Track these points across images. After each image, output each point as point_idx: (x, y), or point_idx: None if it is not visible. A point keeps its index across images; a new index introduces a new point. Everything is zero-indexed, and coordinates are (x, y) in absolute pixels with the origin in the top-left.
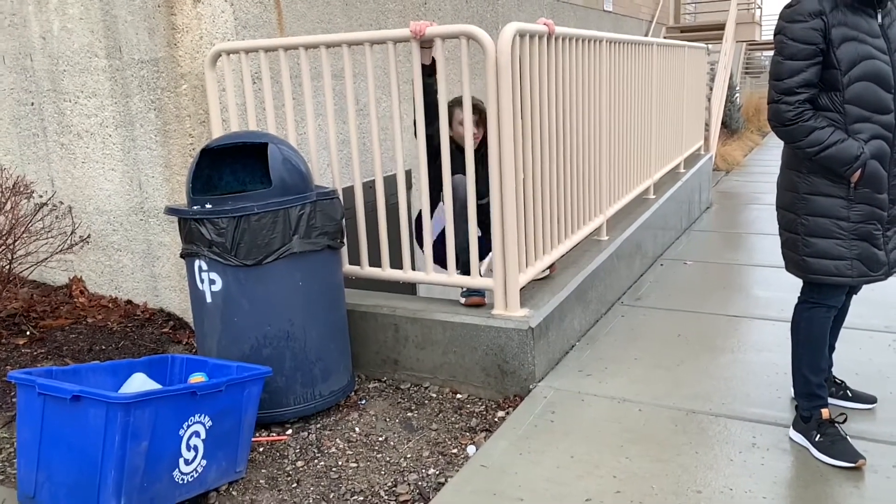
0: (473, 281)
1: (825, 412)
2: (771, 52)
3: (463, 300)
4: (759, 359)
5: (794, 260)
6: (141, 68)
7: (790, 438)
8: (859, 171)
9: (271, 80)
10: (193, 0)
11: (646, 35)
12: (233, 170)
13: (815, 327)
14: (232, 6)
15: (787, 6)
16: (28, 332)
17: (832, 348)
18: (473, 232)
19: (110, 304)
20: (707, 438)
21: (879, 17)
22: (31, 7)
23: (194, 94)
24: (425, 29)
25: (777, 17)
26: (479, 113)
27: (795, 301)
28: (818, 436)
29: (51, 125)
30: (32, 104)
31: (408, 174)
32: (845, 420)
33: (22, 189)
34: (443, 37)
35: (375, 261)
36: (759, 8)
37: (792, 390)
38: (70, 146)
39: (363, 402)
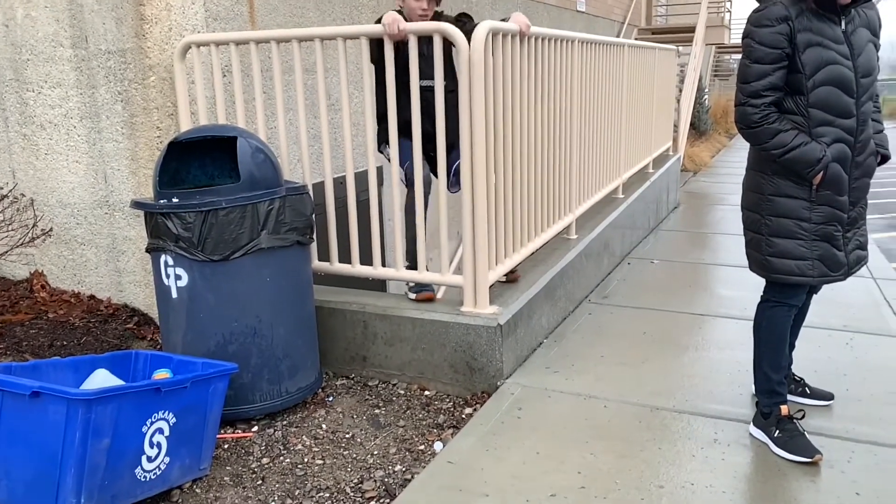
0: (444, 278)
1: (784, 409)
2: (739, 56)
3: (413, 296)
4: (722, 356)
5: (758, 259)
6: (108, 59)
7: (750, 434)
8: (821, 173)
9: (241, 74)
10: None
11: (618, 36)
12: (201, 163)
13: (777, 326)
14: None
15: (755, 11)
16: None
17: (792, 346)
18: (421, 226)
19: (72, 299)
20: (670, 434)
21: (843, 23)
22: None
23: (162, 86)
24: (397, 27)
25: (745, 21)
26: None
27: (757, 300)
28: (777, 432)
29: (12, 115)
30: None
31: (379, 170)
32: (803, 416)
33: None
34: (416, 34)
35: (345, 257)
36: (729, 12)
37: (753, 387)
38: (33, 137)
39: (330, 398)
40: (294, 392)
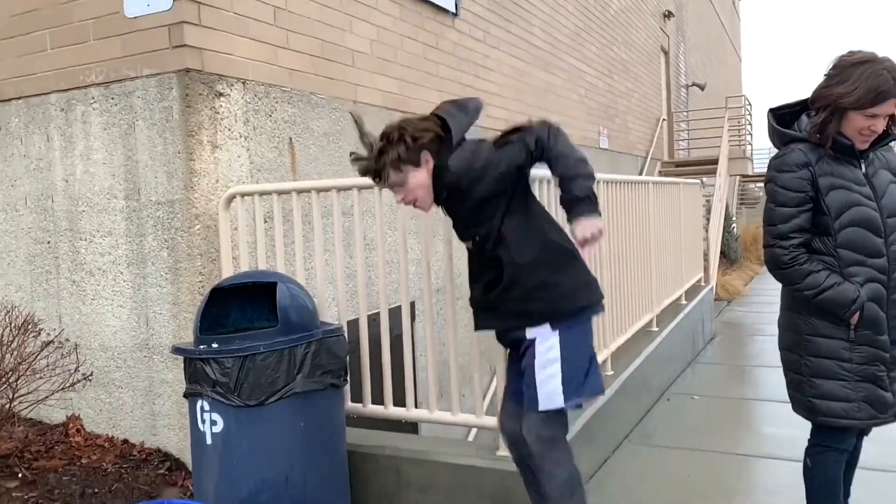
0: (478, 420)
1: None
2: (763, 184)
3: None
4: (772, 502)
5: (802, 402)
6: (157, 209)
7: None
8: (858, 313)
9: (282, 219)
10: (212, 146)
11: (641, 170)
12: (241, 307)
13: (829, 472)
14: (248, 151)
15: (775, 157)
16: (20, 475)
17: (847, 493)
18: None
19: (106, 444)
20: None
21: (863, 166)
22: (57, 153)
23: (207, 233)
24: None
25: (767, 166)
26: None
27: (804, 438)
28: None
29: (64, 263)
30: (49, 243)
31: (412, 305)
32: None
33: (30, 327)
34: None
35: (378, 397)
36: (749, 145)
37: None
38: (81, 283)
39: None
40: None
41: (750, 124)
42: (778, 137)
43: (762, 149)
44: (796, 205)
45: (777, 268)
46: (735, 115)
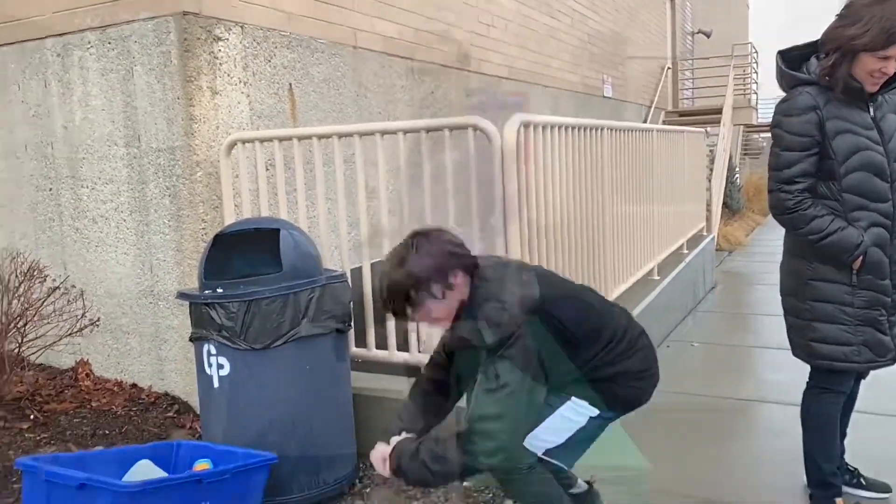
0: None
1: (840, 501)
2: (768, 135)
3: None
4: (770, 445)
5: (801, 345)
6: (158, 156)
7: None
8: (861, 257)
9: (284, 167)
10: (211, 92)
11: (645, 119)
12: (243, 253)
13: (825, 413)
14: (248, 97)
15: (783, 101)
16: (32, 417)
17: (844, 435)
18: None
19: (115, 388)
20: None
21: (871, 110)
22: (55, 99)
23: (208, 180)
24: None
25: (774, 110)
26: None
27: (804, 383)
28: None
29: (67, 210)
30: (50, 190)
31: None
32: None
33: (36, 273)
34: (451, 128)
35: (382, 342)
36: (755, 94)
37: (805, 478)
38: (84, 230)
39: (367, 489)
40: (332, 483)
41: (756, 73)
42: (786, 80)
43: (767, 98)
44: (802, 149)
45: (781, 212)
46: (741, 63)
